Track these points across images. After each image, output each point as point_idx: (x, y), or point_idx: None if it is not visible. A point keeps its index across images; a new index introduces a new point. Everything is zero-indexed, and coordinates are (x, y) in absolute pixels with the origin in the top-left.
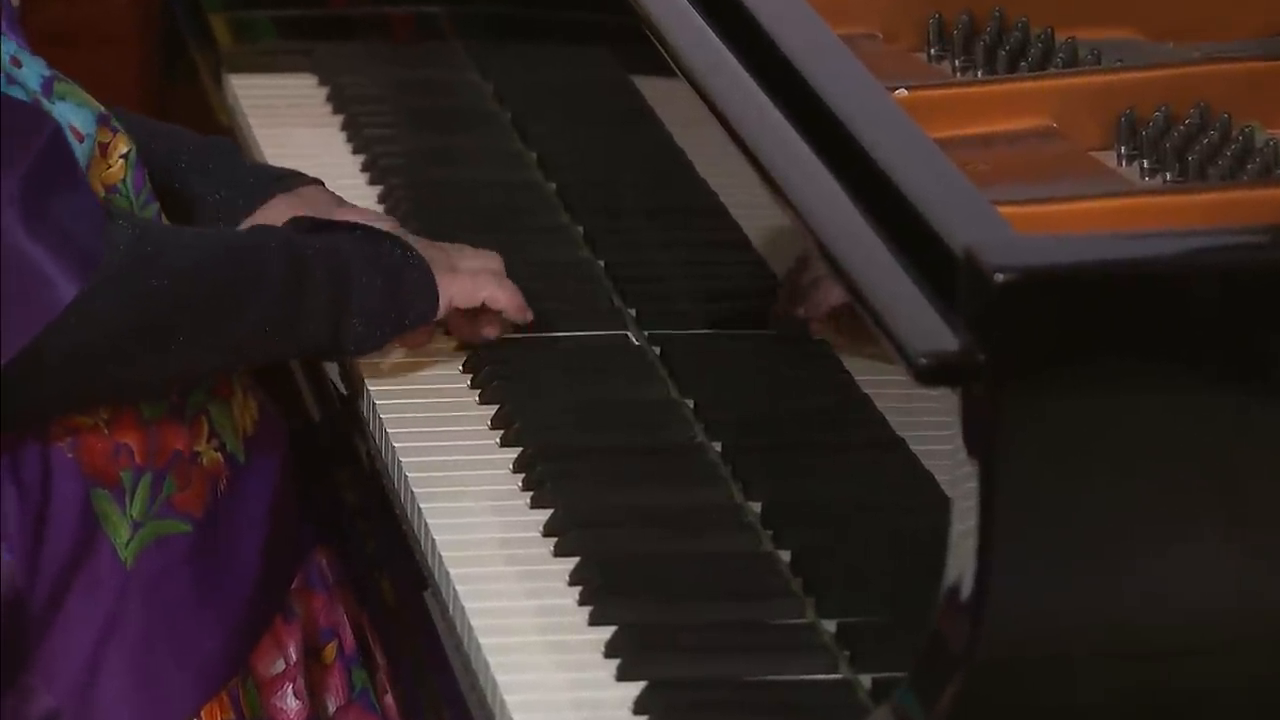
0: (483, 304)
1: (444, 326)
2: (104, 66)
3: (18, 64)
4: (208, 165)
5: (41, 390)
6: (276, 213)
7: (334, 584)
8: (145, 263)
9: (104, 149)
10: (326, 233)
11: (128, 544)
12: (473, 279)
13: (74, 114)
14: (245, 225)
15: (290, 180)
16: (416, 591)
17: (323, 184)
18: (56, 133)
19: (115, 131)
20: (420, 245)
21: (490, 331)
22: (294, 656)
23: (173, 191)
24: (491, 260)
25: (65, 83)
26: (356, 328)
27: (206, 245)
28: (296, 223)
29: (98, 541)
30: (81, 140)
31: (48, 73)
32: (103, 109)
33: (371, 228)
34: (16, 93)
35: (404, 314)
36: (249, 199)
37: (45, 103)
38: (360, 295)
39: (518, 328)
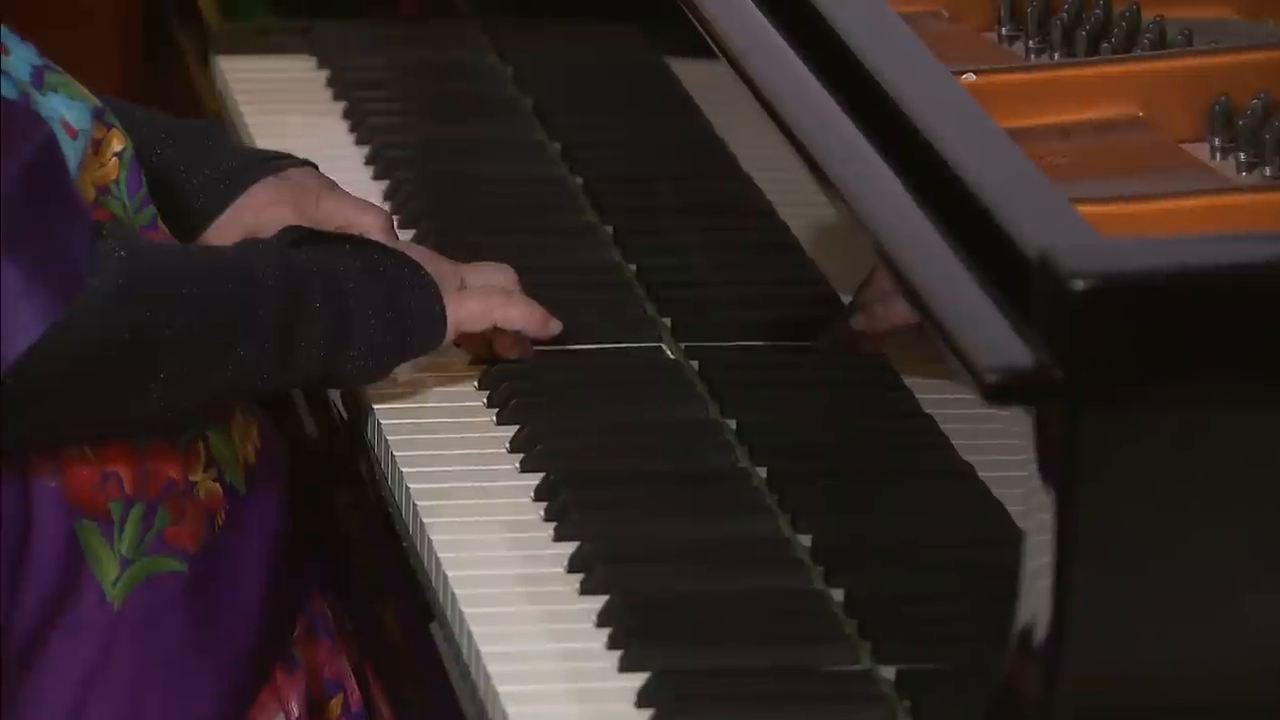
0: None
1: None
2: (78, 48)
3: (5, 52)
4: (188, 148)
5: (9, 425)
6: (264, 197)
7: (336, 630)
8: (132, 290)
9: (97, 145)
10: (323, 249)
11: (116, 582)
12: (482, 298)
13: (66, 107)
14: (230, 211)
15: (278, 162)
16: (425, 632)
17: (314, 166)
18: (49, 141)
19: (110, 127)
20: (425, 259)
21: (513, 353)
22: (295, 711)
23: (152, 178)
24: (503, 274)
25: (57, 73)
26: (355, 360)
27: (199, 272)
28: (290, 234)
29: (83, 579)
30: (74, 136)
31: (38, 61)
32: (98, 101)
33: (373, 242)
34: (4, 86)
35: (407, 343)
36: (234, 182)
37: (35, 95)
38: (360, 325)
39: (541, 340)
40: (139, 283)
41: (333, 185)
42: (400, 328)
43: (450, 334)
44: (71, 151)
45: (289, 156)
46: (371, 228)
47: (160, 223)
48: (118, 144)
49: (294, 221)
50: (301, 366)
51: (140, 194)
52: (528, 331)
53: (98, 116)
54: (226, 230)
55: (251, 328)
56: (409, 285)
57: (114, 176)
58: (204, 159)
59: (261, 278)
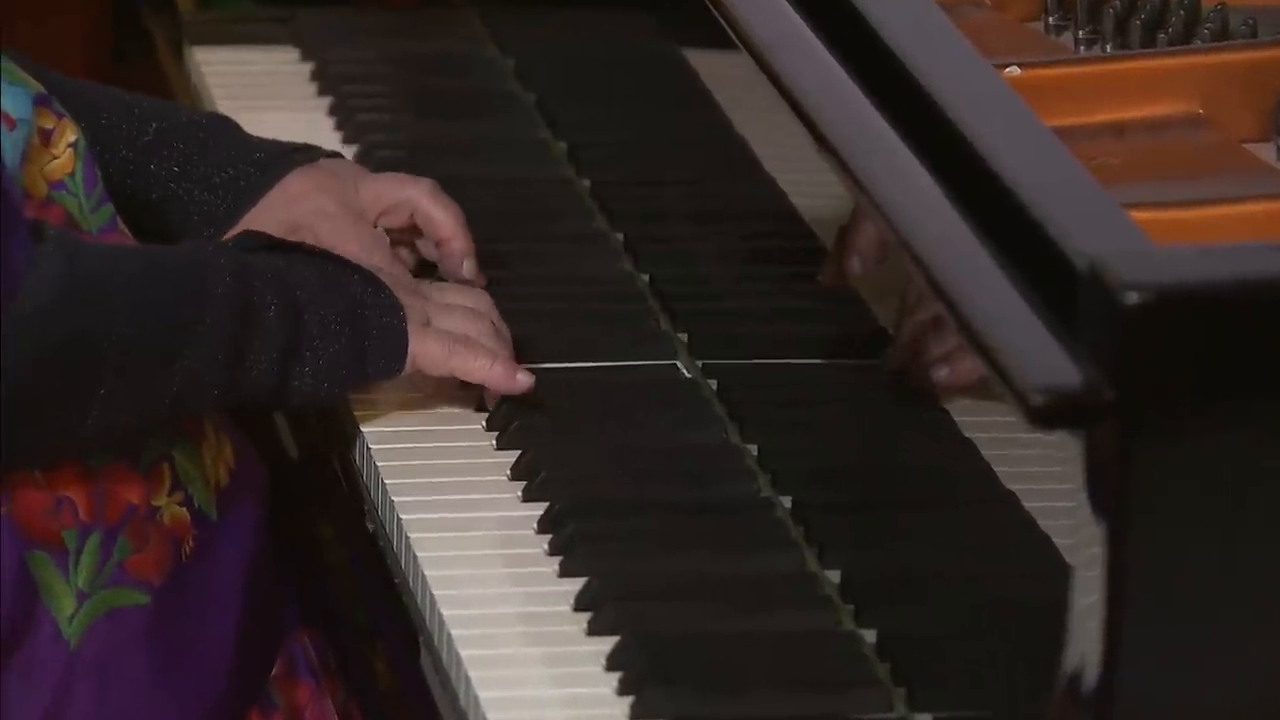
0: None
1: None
2: (41, 40)
3: None
4: (209, 143)
5: None
6: (299, 187)
7: (321, 670)
8: (71, 297)
9: (46, 136)
10: (281, 256)
11: (73, 618)
12: (444, 342)
13: (6, 95)
14: (262, 204)
15: (308, 152)
16: (419, 675)
17: (342, 156)
18: None
19: (60, 116)
20: (393, 283)
21: (490, 396)
22: None
23: (161, 181)
24: (471, 322)
25: None
26: (306, 377)
27: (145, 277)
28: (247, 239)
29: (37, 615)
30: (13, 127)
31: None
32: (42, 89)
33: (336, 256)
34: None
35: (364, 366)
36: (266, 174)
37: None
38: (314, 340)
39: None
40: (79, 288)
41: (365, 170)
42: (356, 349)
43: (407, 370)
44: (10, 144)
45: (318, 147)
46: (418, 197)
47: (120, 223)
48: (71, 134)
49: (333, 210)
50: (251, 380)
51: (97, 190)
52: (489, 387)
53: (42, 104)
54: (260, 224)
55: (199, 337)
56: (371, 306)
57: (69, 170)
58: (228, 153)
59: (212, 284)
